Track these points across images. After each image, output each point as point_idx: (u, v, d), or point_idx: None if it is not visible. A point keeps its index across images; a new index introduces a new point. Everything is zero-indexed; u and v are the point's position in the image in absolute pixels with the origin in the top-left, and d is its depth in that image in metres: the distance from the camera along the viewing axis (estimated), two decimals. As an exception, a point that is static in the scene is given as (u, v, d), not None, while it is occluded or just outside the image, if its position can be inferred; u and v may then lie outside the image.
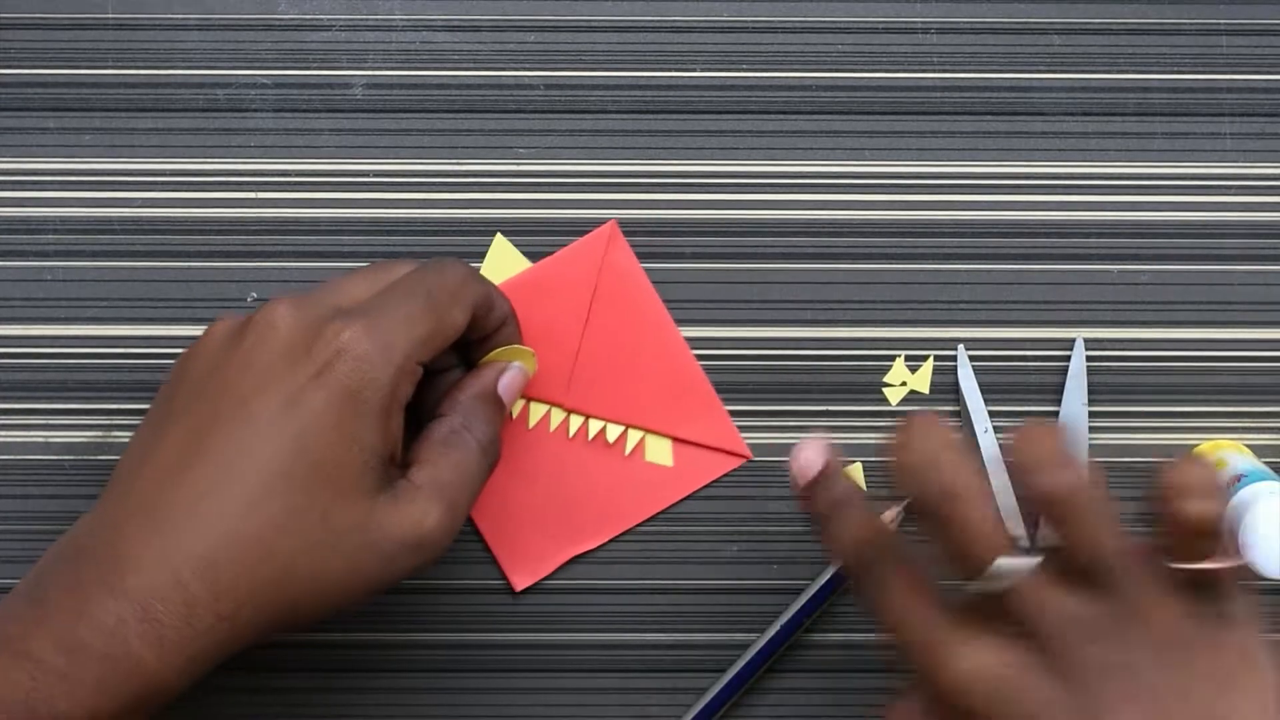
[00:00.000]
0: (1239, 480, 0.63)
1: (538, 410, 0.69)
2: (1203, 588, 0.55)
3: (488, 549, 0.69)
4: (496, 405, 0.64)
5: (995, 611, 0.55)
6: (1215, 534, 0.54)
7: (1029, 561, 0.55)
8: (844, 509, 0.58)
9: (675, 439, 0.69)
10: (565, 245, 0.70)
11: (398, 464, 0.61)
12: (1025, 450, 0.55)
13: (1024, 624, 0.55)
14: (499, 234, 0.69)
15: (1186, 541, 0.54)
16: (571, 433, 0.69)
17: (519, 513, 0.69)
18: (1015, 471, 0.56)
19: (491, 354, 0.65)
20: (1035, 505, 0.55)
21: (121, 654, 0.55)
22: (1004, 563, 0.54)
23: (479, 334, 0.64)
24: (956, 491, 0.54)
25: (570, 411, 0.69)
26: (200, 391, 0.59)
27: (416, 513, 0.59)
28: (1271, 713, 0.54)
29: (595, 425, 0.69)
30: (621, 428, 0.69)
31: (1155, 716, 0.53)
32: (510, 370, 0.65)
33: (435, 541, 0.60)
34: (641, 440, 0.69)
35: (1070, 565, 0.55)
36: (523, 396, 0.69)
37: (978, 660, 0.54)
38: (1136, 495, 0.70)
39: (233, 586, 0.56)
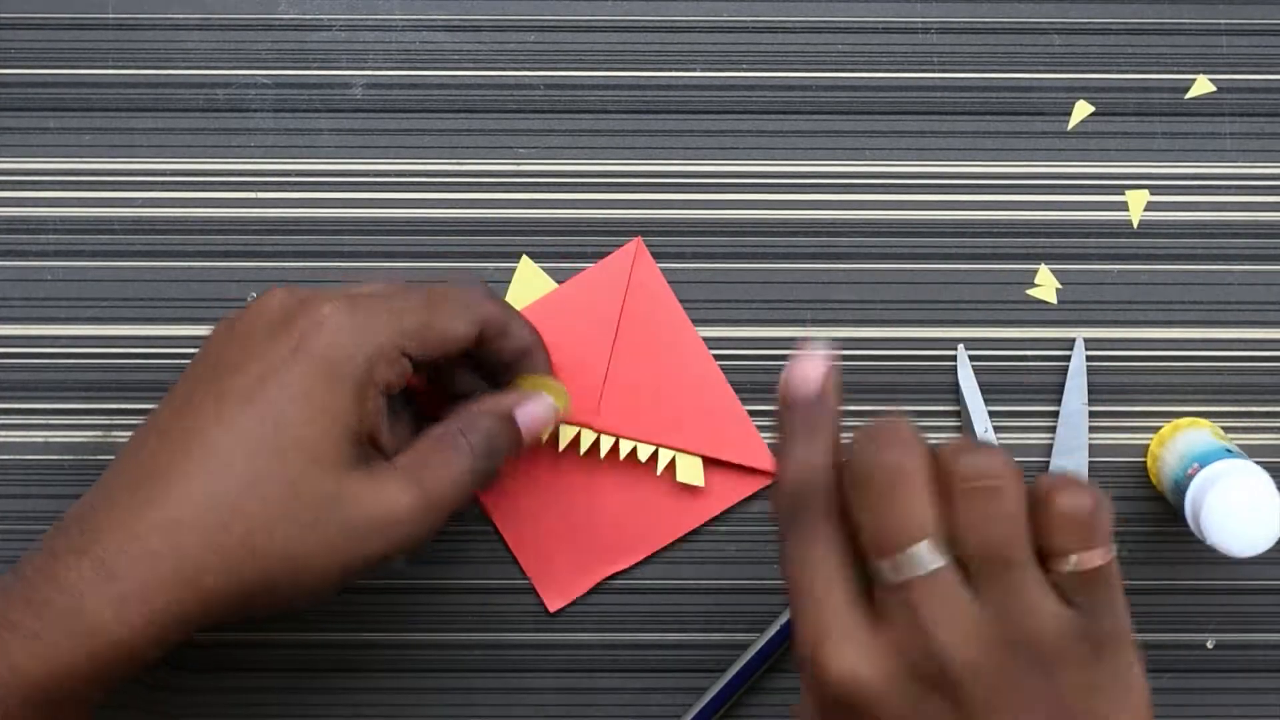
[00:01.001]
0: (1198, 467, 0.63)
1: (568, 432, 0.69)
2: (1086, 587, 0.52)
3: (522, 571, 0.69)
4: (505, 424, 0.63)
5: (891, 599, 0.53)
6: (1089, 528, 0.52)
7: (939, 559, 0.52)
8: (803, 438, 0.55)
9: (706, 458, 0.69)
10: (565, 245, 0.70)
11: (381, 450, 0.61)
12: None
13: (915, 623, 0.52)
14: (524, 256, 0.69)
15: (1064, 539, 0.52)
16: (603, 454, 0.69)
17: (552, 535, 0.69)
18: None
19: (520, 383, 0.65)
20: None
21: (80, 609, 0.55)
22: (917, 551, 0.52)
23: (496, 357, 0.64)
24: (906, 469, 0.52)
25: (601, 433, 0.69)
26: (192, 372, 0.60)
27: (389, 493, 0.59)
28: None
29: (626, 446, 0.69)
30: (652, 448, 0.69)
31: None
32: (533, 399, 0.64)
33: (406, 528, 0.59)
34: (672, 460, 0.69)
35: (969, 569, 0.52)
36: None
37: (860, 665, 0.52)
38: (1140, 497, 0.70)
39: (196, 548, 0.56)
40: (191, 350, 0.69)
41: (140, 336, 0.69)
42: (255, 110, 0.70)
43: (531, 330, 0.65)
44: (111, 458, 0.68)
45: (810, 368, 0.55)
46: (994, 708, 0.52)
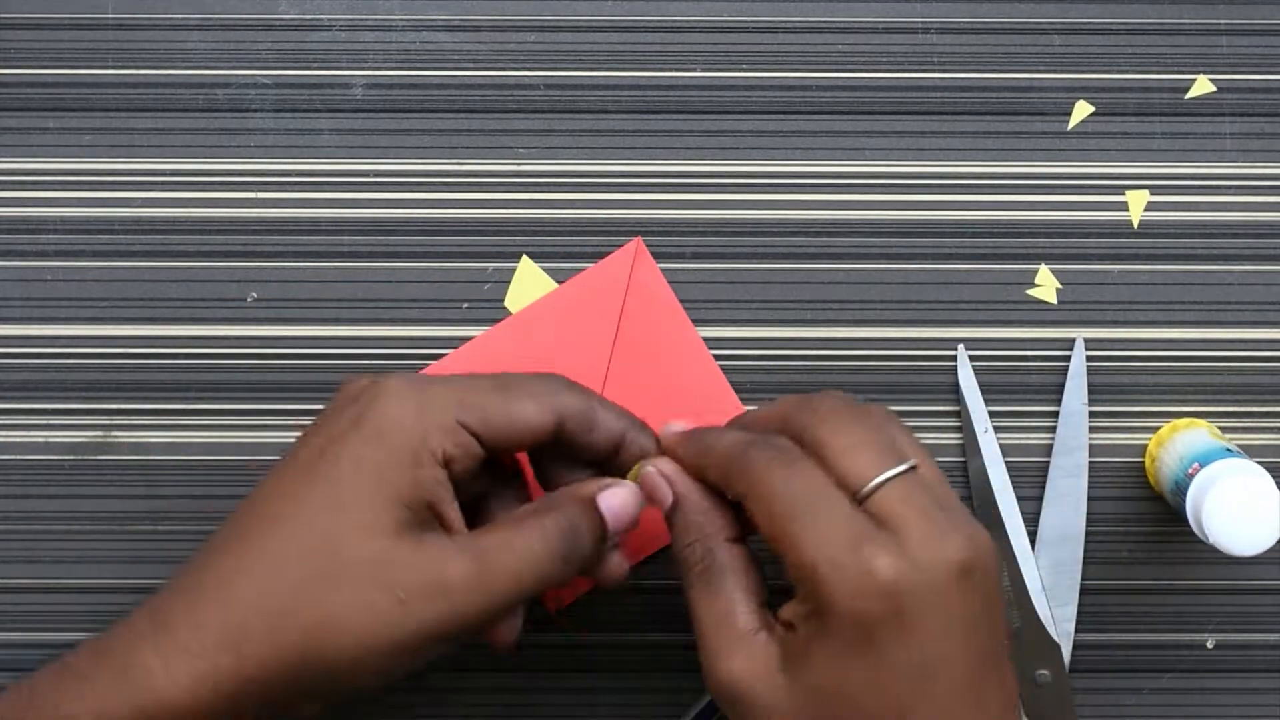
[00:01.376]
0: (1198, 467, 0.63)
1: None
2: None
3: None
4: (586, 510, 0.60)
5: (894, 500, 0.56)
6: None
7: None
8: (708, 428, 0.60)
9: None
10: (565, 245, 0.70)
11: (445, 524, 0.59)
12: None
13: (927, 493, 0.56)
14: (524, 256, 0.69)
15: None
16: None
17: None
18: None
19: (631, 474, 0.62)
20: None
21: (133, 659, 0.55)
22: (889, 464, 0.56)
23: (588, 453, 0.61)
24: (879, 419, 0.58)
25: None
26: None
27: (439, 558, 0.57)
28: None
29: None
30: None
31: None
32: (618, 485, 0.61)
33: (458, 597, 0.56)
34: None
35: None
36: None
37: (909, 565, 0.54)
38: (1139, 497, 0.70)
39: (241, 610, 0.56)
40: (191, 350, 0.69)
41: (140, 336, 0.69)
42: (255, 110, 0.70)
43: (622, 416, 0.61)
44: (113, 458, 0.69)
45: (677, 425, 0.61)
46: (990, 608, 0.56)
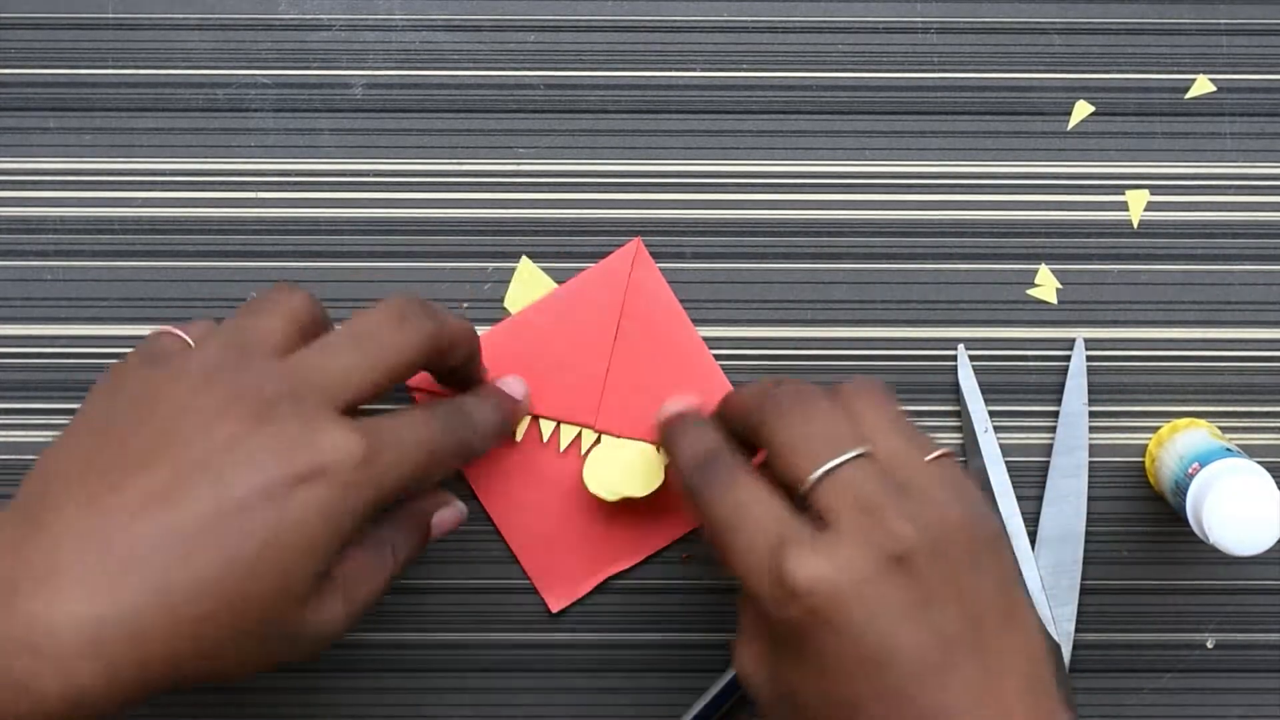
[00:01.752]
0: (1199, 467, 0.63)
1: (568, 433, 0.69)
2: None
3: (523, 572, 0.69)
4: (422, 531, 0.64)
5: (833, 497, 0.56)
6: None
7: (863, 446, 0.57)
8: (692, 428, 0.61)
9: None
10: (565, 244, 0.70)
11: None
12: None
13: (866, 506, 0.55)
14: (524, 256, 0.69)
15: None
16: None
17: (553, 536, 0.69)
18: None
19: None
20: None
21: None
22: (843, 447, 0.56)
23: (441, 369, 0.64)
24: (812, 390, 0.59)
25: (601, 433, 0.69)
26: (168, 427, 0.55)
27: (330, 615, 0.57)
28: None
29: None
30: (653, 447, 0.69)
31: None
32: (447, 505, 0.65)
33: (333, 638, 0.58)
34: None
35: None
36: (552, 419, 0.69)
37: (827, 566, 0.54)
38: (1139, 497, 0.70)
39: (127, 640, 0.53)
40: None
41: (140, 337, 0.69)
42: (255, 110, 0.70)
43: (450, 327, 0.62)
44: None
45: (677, 402, 0.64)
46: (944, 591, 0.54)
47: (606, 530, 0.69)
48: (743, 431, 0.60)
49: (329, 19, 0.70)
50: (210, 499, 0.54)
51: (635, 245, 0.70)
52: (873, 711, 0.54)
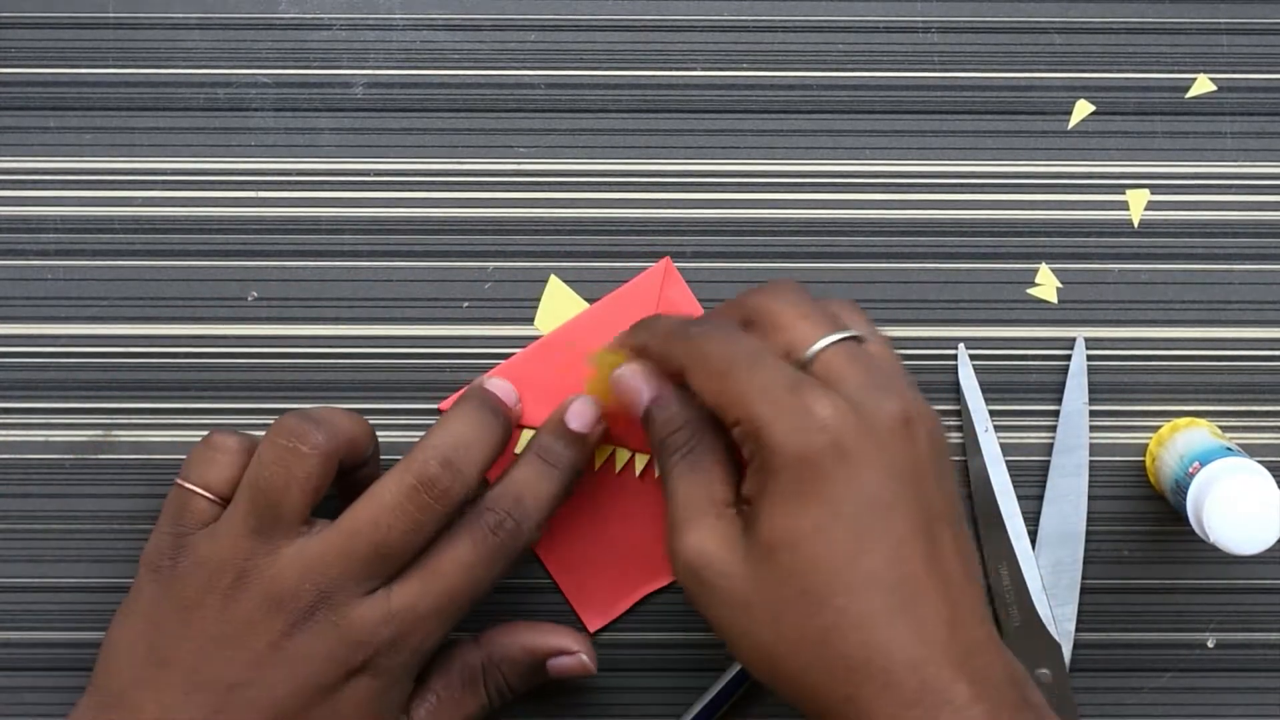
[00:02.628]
0: (1199, 466, 0.63)
1: (603, 452, 0.69)
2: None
3: (559, 590, 0.69)
4: (534, 672, 0.66)
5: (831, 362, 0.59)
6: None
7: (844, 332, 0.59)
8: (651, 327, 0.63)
9: None
10: (565, 244, 0.70)
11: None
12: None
13: (862, 365, 0.58)
14: (553, 276, 0.69)
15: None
16: (638, 472, 0.69)
17: (590, 555, 0.69)
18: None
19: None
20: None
21: None
22: (830, 334, 0.59)
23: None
24: (794, 288, 0.61)
25: (636, 451, 0.69)
26: (214, 634, 0.61)
27: None
28: None
29: None
30: None
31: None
32: (573, 659, 0.66)
33: None
34: None
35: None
36: None
37: (828, 407, 0.56)
38: (1140, 496, 0.70)
39: None
40: (191, 349, 0.69)
41: (140, 336, 0.69)
42: (256, 109, 0.70)
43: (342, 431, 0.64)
44: (112, 458, 0.69)
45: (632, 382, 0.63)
46: (934, 471, 0.58)
47: (645, 547, 0.69)
48: (734, 313, 0.62)
49: (329, 18, 0.70)
50: (269, 712, 0.60)
51: (665, 264, 0.69)
52: (879, 557, 0.55)
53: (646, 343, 0.62)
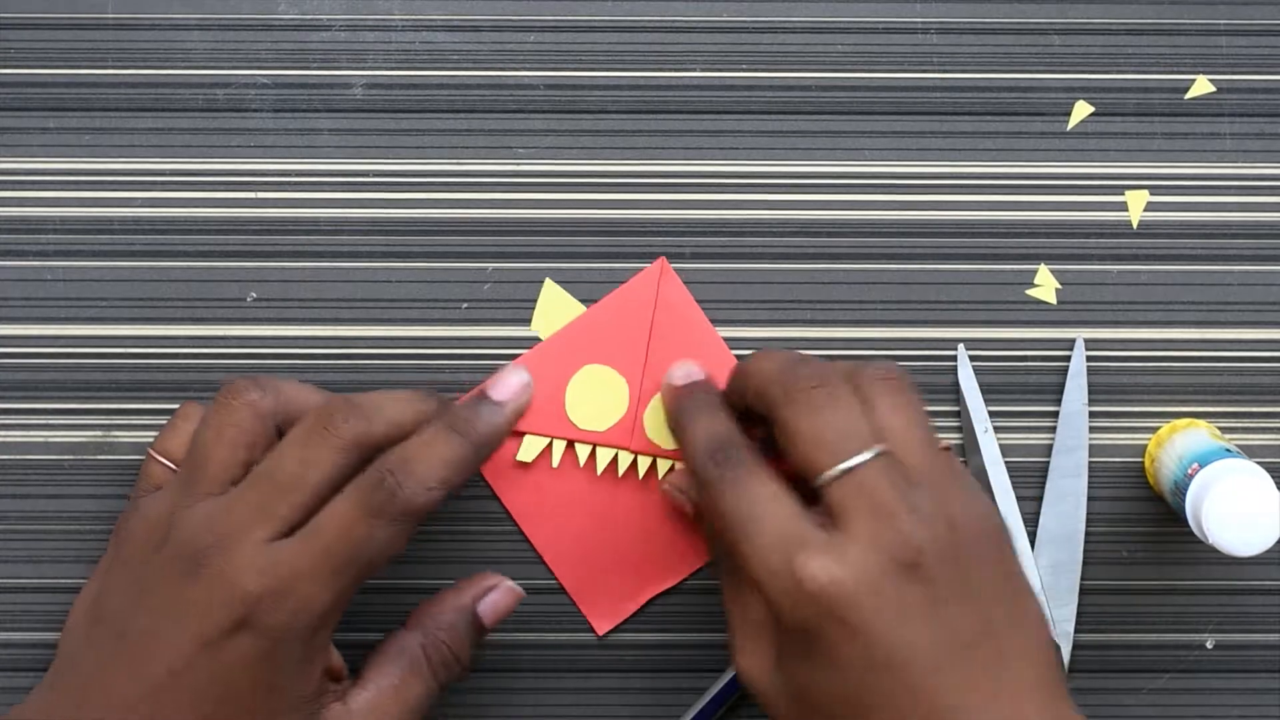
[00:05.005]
0: (1198, 467, 0.63)
1: (605, 456, 0.69)
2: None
3: (567, 595, 0.69)
4: (470, 626, 0.64)
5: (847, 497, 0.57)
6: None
7: (879, 446, 0.57)
8: (705, 410, 0.62)
9: None
10: (564, 244, 0.70)
11: (337, 677, 0.62)
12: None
13: (878, 509, 0.56)
14: (548, 279, 0.69)
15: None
16: (641, 474, 0.69)
17: (596, 559, 0.69)
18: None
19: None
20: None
21: None
22: (861, 444, 0.57)
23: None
24: (830, 377, 0.59)
25: (637, 454, 0.69)
26: (137, 590, 0.61)
27: None
28: None
29: (664, 465, 0.69)
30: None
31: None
32: (498, 590, 0.65)
33: None
34: None
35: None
36: (588, 443, 0.69)
37: (838, 567, 0.55)
38: (1140, 498, 0.70)
39: None
40: (191, 350, 0.69)
41: (140, 336, 0.69)
42: (255, 110, 0.70)
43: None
44: (112, 458, 0.69)
45: (687, 368, 0.64)
46: (956, 591, 0.55)
47: (650, 549, 0.69)
48: (758, 409, 0.60)
49: (329, 19, 0.70)
50: (161, 662, 0.59)
51: (660, 264, 0.69)
52: (887, 711, 0.54)
53: (682, 461, 0.64)
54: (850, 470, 0.56)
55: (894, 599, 0.54)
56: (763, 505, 0.57)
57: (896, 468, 0.56)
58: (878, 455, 0.56)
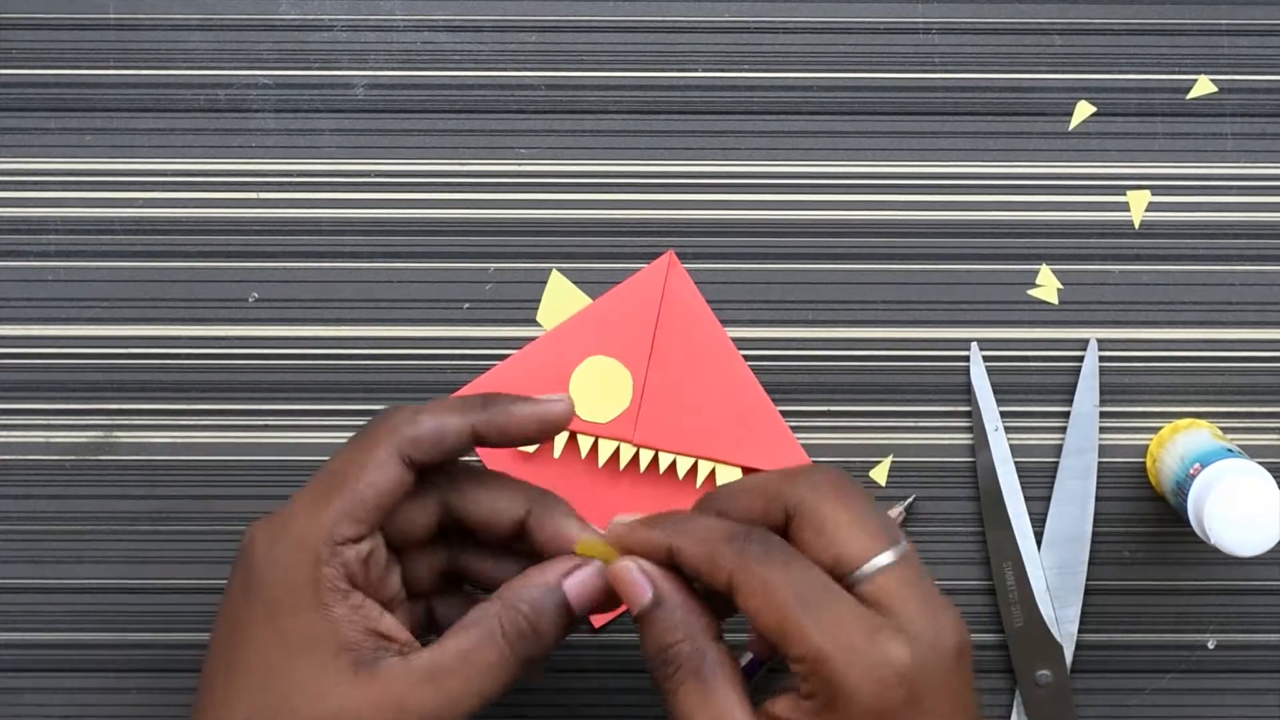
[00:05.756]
0: (1200, 468, 0.63)
1: (607, 448, 0.69)
2: None
3: None
4: (555, 605, 0.59)
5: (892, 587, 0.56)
6: None
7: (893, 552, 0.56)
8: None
9: (744, 468, 0.69)
10: (565, 244, 0.70)
11: (394, 638, 0.59)
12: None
13: (924, 595, 0.56)
14: (555, 270, 0.69)
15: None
16: (642, 468, 0.69)
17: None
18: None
19: (579, 546, 0.59)
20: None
21: None
22: (897, 540, 0.56)
23: (493, 447, 0.62)
24: (856, 491, 0.57)
25: (639, 447, 0.69)
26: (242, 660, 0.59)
27: (396, 692, 0.56)
28: None
29: (665, 459, 0.69)
30: (691, 460, 0.69)
31: None
32: (584, 569, 0.60)
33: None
34: (712, 472, 0.69)
35: None
36: (590, 435, 0.69)
37: (904, 649, 0.54)
38: (1141, 498, 0.70)
39: None
40: (192, 350, 0.69)
41: (141, 336, 0.69)
42: (257, 110, 0.70)
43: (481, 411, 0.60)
44: (112, 458, 0.69)
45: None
46: (971, 683, 0.56)
47: None
48: (774, 513, 0.58)
49: (330, 19, 0.70)
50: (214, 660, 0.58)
51: (668, 258, 0.69)
52: None
53: (682, 548, 0.57)
54: (894, 562, 0.55)
55: (954, 685, 0.55)
56: (824, 584, 0.55)
57: (915, 562, 0.56)
58: (905, 550, 0.56)
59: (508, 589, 0.59)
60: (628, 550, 0.58)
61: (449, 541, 0.62)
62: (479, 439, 0.59)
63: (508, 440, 0.60)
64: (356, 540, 0.57)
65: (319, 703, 0.56)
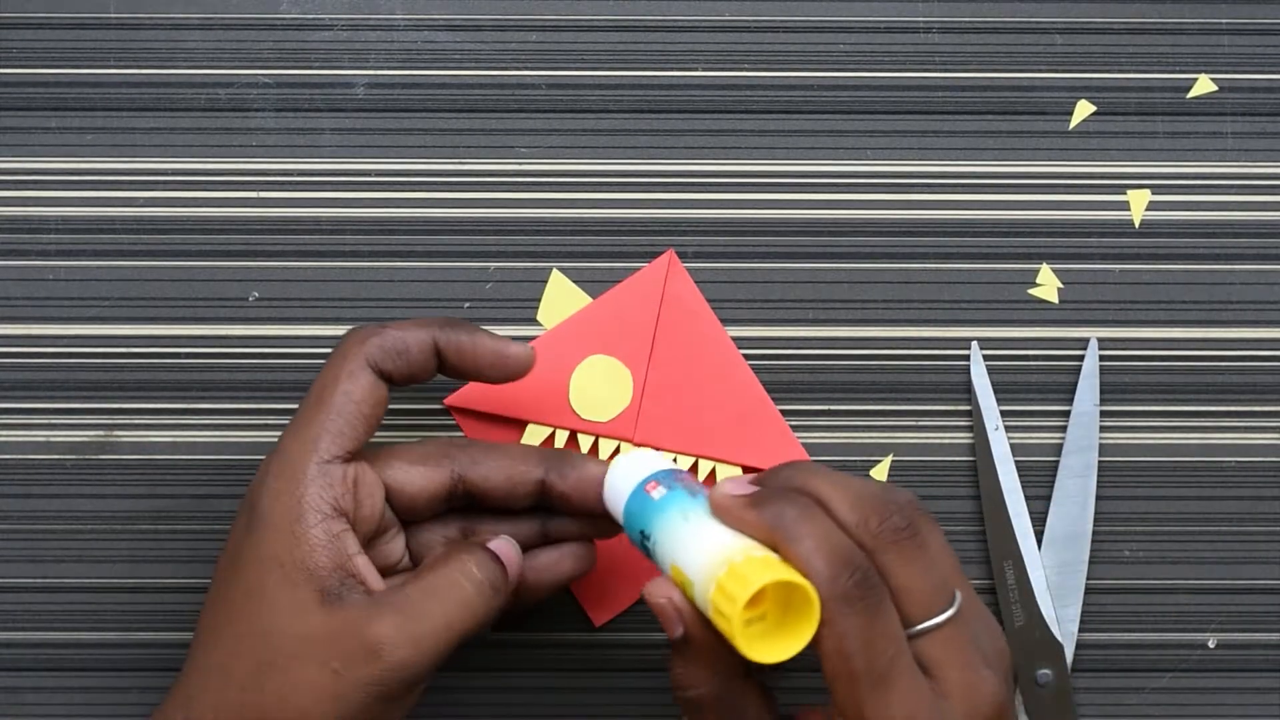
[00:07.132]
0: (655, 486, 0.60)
1: (607, 447, 0.69)
2: None
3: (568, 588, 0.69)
4: (524, 533, 0.63)
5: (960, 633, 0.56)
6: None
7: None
8: (814, 518, 0.55)
9: (745, 467, 0.69)
10: (566, 244, 0.70)
11: (359, 580, 0.60)
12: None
13: (994, 635, 0.57)
14: (555, 270, 0.69)
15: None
16: None
17: (597, 550, 0.69)
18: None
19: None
20: None
21: None
22: (957, 589, 0.56)
23: (453, 373, 0.63)
24: (929, 529, 0.57)
25: (639, 447, 0.69)
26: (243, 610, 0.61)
27: (360, 619, 0.57)
28: None
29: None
30: (692, 459, 0.69)
31: None
32: (501, 541, 0.62)
33: (388, 652, 0.57)
34: (712, 471, 0.69)
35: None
36: (591, 434, 0.69)
37: (999, 685, 0.55)
38: (1141, 496, 0.70)
39: (203, 713, 0.59)
40: (193, 349, 0.69)
41: (141, 336, 0.69)
42: (257, 110, 0.70)
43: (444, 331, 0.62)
44: (112, 458, 0.69)
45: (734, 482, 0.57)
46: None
47: None
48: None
49: (331, 18, 0.70)
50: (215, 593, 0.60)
51: (668, 257, 0.69)
52: None
53: (798, 555, 0.54)
54: (941, 624, 0.55)
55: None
56: (891, 652, 0.54)
57: (967, 620, 0.56)
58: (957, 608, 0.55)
59: (459, 542, 0.62)
60: (728, 524, 0.56)
61: (458, 514, 0.64)
62: (440, 355, 0.62)
63: (465, 364, 0.62)
64: (344, 458, 0.59)
65: (294, 624, 0.58)
